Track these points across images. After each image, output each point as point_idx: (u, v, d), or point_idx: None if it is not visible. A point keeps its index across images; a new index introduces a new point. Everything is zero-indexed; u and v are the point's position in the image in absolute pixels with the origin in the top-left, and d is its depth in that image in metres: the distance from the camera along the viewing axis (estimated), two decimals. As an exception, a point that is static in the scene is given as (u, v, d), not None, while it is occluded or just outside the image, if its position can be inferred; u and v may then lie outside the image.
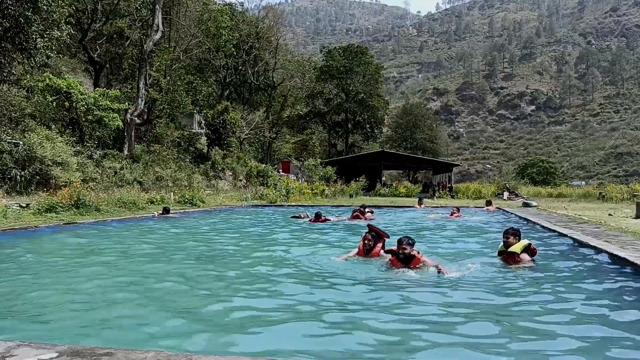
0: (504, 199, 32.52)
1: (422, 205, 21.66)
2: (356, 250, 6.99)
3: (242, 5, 53.84)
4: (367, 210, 15.64)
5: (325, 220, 13.84)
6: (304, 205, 22.87)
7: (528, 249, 6.63)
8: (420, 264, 6.00)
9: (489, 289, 5.19)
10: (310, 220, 13.87)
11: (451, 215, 16.17)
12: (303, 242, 9.73)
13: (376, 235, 6.91)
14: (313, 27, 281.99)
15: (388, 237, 7.11)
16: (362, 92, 57.89)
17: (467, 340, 3.45)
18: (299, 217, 15.21)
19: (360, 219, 14.71)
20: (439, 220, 15.28)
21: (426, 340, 3.45)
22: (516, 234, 6.86)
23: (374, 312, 4.17)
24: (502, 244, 6.99)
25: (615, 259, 6.47)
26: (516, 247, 6.63)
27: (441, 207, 22.45)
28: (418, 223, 14.68)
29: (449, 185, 40.58)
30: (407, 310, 4.29)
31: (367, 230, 7.06)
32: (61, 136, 18.77)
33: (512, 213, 17.64)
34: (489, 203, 21.92)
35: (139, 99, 25.78)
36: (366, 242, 6.83)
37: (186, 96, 32.61)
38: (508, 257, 6.67)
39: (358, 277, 5.72)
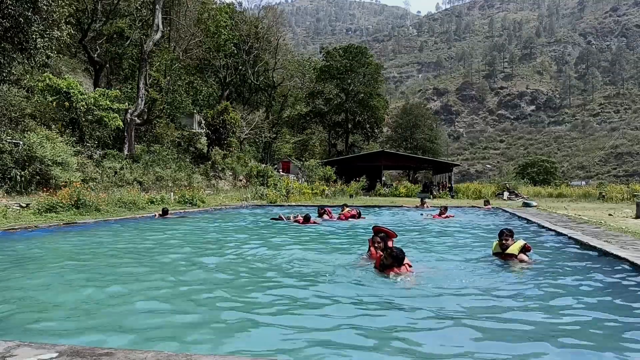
0: (504, 199, 32.51)
1: (426, 205, 21.72)
2: (367, 254, 6.79)
3: (241, 5, 53.90)
4: (347, 209, 15.58)
5: (315, 222, 13.39)
6: (304, 206, 22.86)
7: (524, 248, 6.73)
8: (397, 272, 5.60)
9: (491, 289, 5.19)
10: (298, 222, 13.30)
11: (439, 215, 15.90)
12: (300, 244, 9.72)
13: (385, 235, 6.67)
14: (313, 27, 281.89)
15: (396, 235, 6.85)
16: (362, 92, 57.87)
17: (470, 340, 3.45)
18: (279, 218, 14.47)
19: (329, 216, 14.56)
20: (426, 221, 14.96)
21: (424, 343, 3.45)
22: (512, 234, 6.94)
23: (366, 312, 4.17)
24: (495, 243, 7.03)
25: (615, 258, 6.47)
26: (514, 249, 6.71)
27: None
28: (408, 224, 14.41)
29: (449, 185, 40.58)
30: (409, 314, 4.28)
31: (374, 233, 6.79)
32: (61, 136, 18.77)
33: (510, 212, 17.64)
34: (486, 202, 22.64)
35: (139, 99, 25.78)
36: (377, 245, 6.58)
37: (186, 96, 32.61)
38: (507, 258, 6.72)
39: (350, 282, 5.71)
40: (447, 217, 15.70)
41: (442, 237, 10.74)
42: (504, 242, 6.83)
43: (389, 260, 5.57)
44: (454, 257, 7.47)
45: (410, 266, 5.71)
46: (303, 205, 22.78)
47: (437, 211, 16.68)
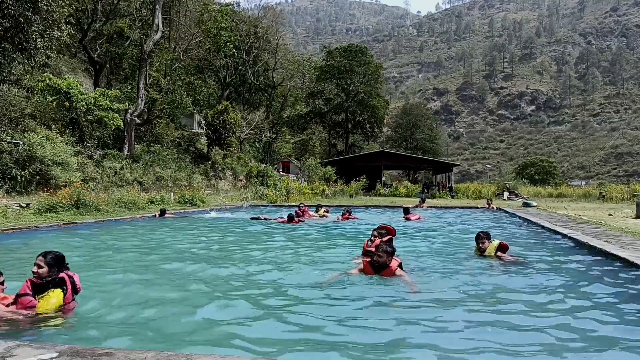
0: (504, 199, 32.51)
1: (424, 205, 21.71)
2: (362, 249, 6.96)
3: (239, 5, 53.84)
4: (323, 209, 15.74)
5: (299, 221, 13.39)
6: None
7: (500, 248, 6.82)
8: (393, 276, 5.38)
9: (481, 287, 5.19)
10: (282, 222, 13.27)
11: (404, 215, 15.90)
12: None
13: (386, 232, 6.74)
14: (313, 27, 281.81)
15: (395, 233, 6.89)
16: (362, 92, 57.83)
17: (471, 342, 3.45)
18: (259, 218, 14.61)
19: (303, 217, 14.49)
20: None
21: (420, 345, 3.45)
22: (488, 237, 7.09)
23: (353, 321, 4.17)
24: (475, 247, 7.13)
25: (614, 258, 6.47)
26: (490, 250, 6.87)
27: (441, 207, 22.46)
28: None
29: (449, 185, 40.55)
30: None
31: (376, 228, 6.95)
32: (61, 136, 18.77)
33: (510, 212, 17.63)
34: (489, 202, 23.00)
35: (139, 99, 25.77)
36: (372, 238, 6.66)
37: (186, 96, 32.59)
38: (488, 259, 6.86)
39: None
40: (414, 218, 15.32)
41: (418, 240, 10.16)
42: (480, 245, 7.02)
43: (382, 257, 5.38)
44: (434, 261, 7.17)
45: (401, 268, 5.61)
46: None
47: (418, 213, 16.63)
